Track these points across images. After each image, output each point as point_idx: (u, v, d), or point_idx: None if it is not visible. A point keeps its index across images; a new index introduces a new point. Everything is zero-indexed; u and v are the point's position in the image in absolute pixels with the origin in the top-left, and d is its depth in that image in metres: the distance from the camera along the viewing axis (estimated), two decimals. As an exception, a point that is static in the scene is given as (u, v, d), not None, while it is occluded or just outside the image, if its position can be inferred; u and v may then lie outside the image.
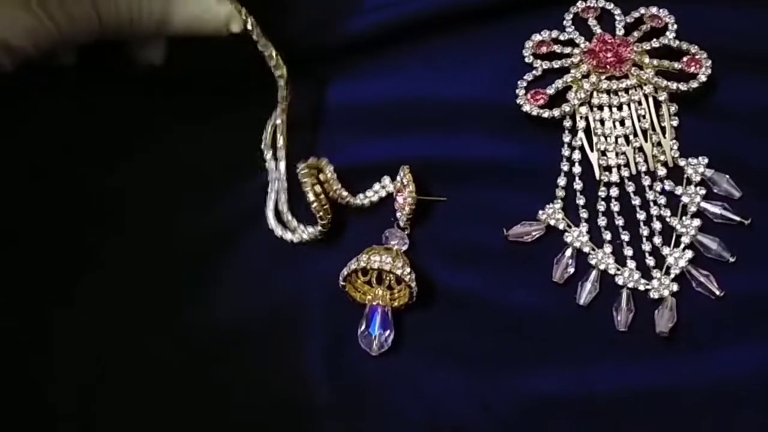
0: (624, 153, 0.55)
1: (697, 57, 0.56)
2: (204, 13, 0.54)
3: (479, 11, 0.61)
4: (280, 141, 0.57)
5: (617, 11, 0.59)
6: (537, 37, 0.59)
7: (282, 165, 0.57)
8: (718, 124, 0.56)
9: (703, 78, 0.55)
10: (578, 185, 0.55)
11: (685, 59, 0.56)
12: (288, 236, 0.55)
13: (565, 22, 0.60)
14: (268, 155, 0.58)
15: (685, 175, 0.54)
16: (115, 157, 0.59)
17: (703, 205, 0.53)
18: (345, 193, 0.55)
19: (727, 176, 0.54)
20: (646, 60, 0.57)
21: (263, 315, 0.54)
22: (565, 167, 0.55)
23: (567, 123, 0.56)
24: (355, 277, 0.53)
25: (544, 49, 0.59)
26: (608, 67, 0.57)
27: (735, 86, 0.57)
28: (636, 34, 0.58)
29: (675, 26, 0.58)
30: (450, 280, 0.54)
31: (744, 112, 0.56)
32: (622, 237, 0.53)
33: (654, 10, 0.59)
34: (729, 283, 0.51)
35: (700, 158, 0.55)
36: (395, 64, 0.61)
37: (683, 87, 0.55)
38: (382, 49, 0.61)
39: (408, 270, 0.51)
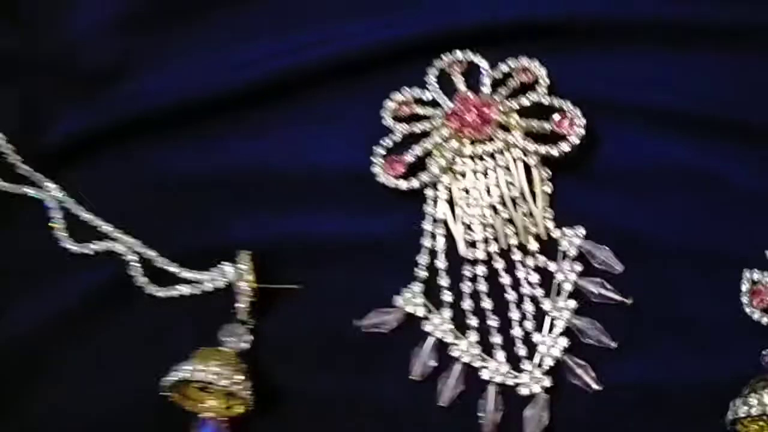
0: (492, 225, 0.49)
1: (569, 116, 0.50)
2: None
3: (342, 67, 0.54)
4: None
5: (484, 64, 0.53)
6: (398, 97, 0.53)
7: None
8: (596, 188, 0.51)
9: (575, 140, 0.50)
10: (441, 263, 0.49)
11: (556, 119, 0.50)
12: None
13: (426, 78, 0.53)
14: None
15: (560, 249, 0.49)
16: None
17: (581, 282, 0.48)
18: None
19: (607, 248, 0.48)
20: (513, 121, 0.51)
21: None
22: (427, 243, 0.49)
23: (429, 192, 0.50)
24: (183, 386, 0.46)
25: (406, 110, 0.53)
26: (471, 129, 0.51)
27: (614, 143, 0.51)
28: (503, 91, 0.52)
29: (547, 80, 0.52)
30: (303, 379, 0.48)
31: (625, 171, 0.51)
32: (490, 322, 0.47)
33: (524, 62, 0.53)
34: (611, 373, 0.46)
35: (576, 228, 0.49)
36: (247, 129, 0.54)
37: (554, 151, 0.50)
38: (237, 111, 0.55)
39: (240, 378, 0.45)
